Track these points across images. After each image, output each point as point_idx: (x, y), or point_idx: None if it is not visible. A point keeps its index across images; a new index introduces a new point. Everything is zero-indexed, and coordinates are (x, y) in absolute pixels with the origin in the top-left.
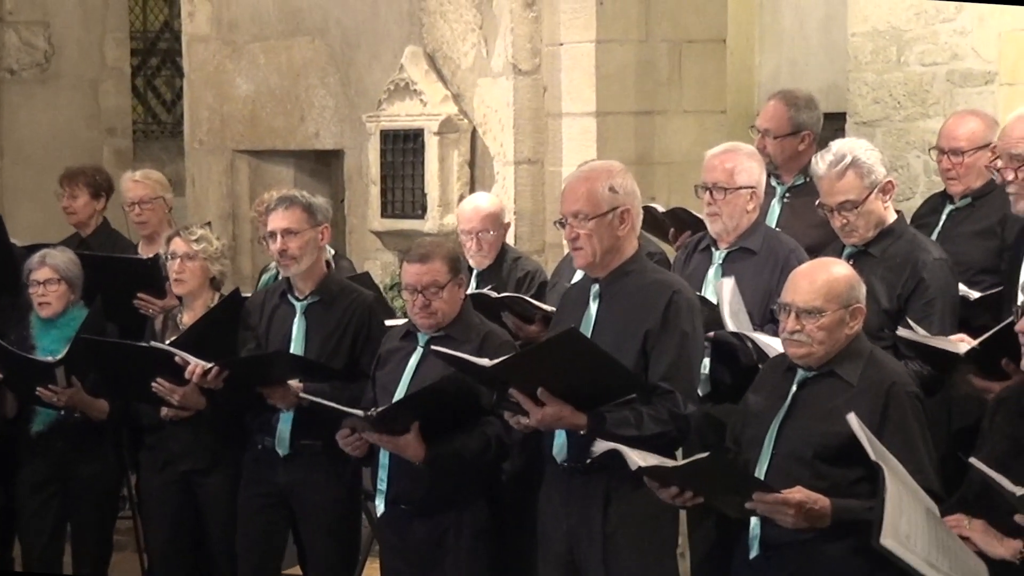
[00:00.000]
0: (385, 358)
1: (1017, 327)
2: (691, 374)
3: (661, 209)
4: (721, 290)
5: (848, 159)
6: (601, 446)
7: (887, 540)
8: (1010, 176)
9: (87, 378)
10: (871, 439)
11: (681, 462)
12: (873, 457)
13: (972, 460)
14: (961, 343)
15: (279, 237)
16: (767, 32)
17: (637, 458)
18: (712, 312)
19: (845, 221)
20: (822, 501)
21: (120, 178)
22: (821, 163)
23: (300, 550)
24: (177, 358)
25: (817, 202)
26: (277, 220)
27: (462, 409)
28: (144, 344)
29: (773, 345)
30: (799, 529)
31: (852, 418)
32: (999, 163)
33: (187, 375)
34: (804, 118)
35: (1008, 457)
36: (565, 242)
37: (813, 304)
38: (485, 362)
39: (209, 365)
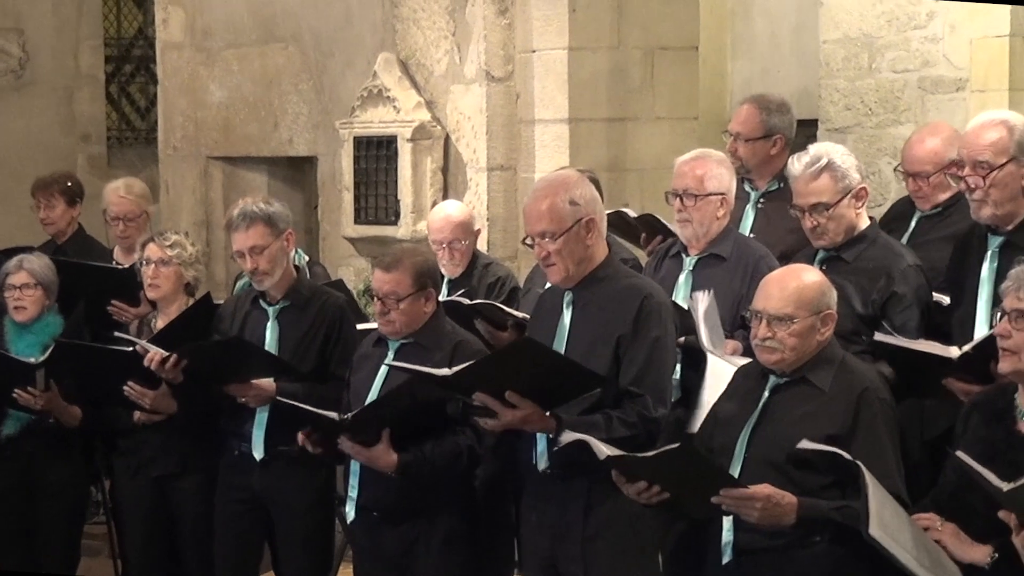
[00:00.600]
0: (358, 364)
1: (996, 329)
2: (661, 378)
3: (633, 214)
4: (697, 304)
5: (824, 161)
6: (568, 436)
7: (875, 530)
8: (974, 183)
9: (63, 383)
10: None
11: (650, 453)
12: (850, 456)
13: (958, 453)
14: (952, 348)
15: (248, 257)
16: (739, 39)
17: (605, 448)
18: (684, 318)
19: (816, 223)
20: (789, 497)
21: (105, 188)
22: (797, 164)
23: (274, 555)
24: (137, 347)
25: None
26: (242, 240)
27: (432, 414)
28: (111, 348)
29: (726, 371)
30: (765, 526)
31: (805, 444)
32: (964, 171)
33: (146, 363)
34: (776, 122)
35: (981, 460)
36: (537, 260)
37: (784, 311)
38: (444, 372)
39: (167, 354)
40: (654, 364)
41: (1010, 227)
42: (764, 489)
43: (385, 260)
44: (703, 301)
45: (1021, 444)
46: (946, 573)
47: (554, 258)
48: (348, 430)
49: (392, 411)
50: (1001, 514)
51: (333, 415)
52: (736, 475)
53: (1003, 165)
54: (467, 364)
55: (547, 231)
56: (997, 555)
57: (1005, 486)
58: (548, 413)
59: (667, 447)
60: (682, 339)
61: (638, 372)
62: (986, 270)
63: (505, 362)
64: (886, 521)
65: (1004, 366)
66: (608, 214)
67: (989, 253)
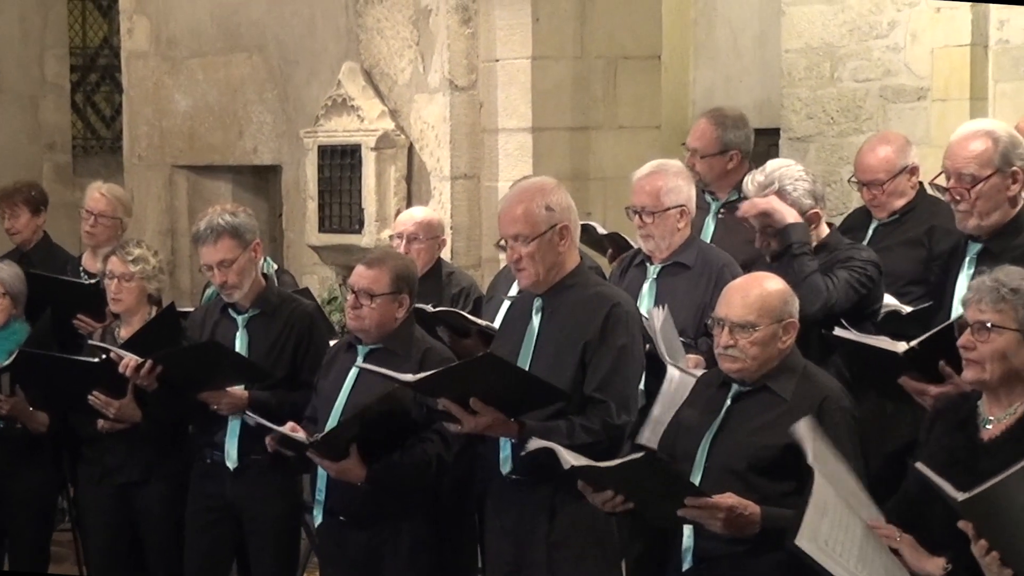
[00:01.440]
0: (327, 368)
1: (959, 342)
2: (626, 385)
3: (602, 230)
4: (653, 321)
5: (775, 187)
6: (534, 444)
7: (802, 541)
8: (959, 196)
9: (30, 390)
10: (818, 447)
11: (614, 462)
12: (809, 460)
13: (918, 465)
14: (899, 343)
15: (216, 270)
16: (701, 49)
17: (570, 458)
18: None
19: (767, 243)
20: (752, 507)
21: (88, 187)
22: (751, 184)
23: (242, 562)
24: (112, 354)
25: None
26: (210, 254)
27: (399, 424)
28: (74, 358)
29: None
30: (728, 535)
31: (801, 425)
32: (948, 182)
33: (121, 369)
34: (732, 137)
35: (944, 467)
36: (508, 263)
37: (746, 319)
38: (409, 377)
39: (141, 360)
40: (619, 371)
41: (988, 236)
42: (728, 499)
43: (369, 256)
44: (658, 317)
45: (983, 452)
46: None
47: (525, 262)
48: (317, 450)
49: (359, 426)
50: (960, 524)
51: (302, 437)
52: (697, 483)
53: (988, 177)
54: (431, 372)
55: (520, 234)
56: (951, 567)
57: (961, 496)
58: (512, 419)
59: (629, 457)
60: (647, 346)
61: (603, 379)
62: (963, 277)
63: (468, 373)
64: (822, 532)
65: (968, 376)
66: None
67: (967, 260)
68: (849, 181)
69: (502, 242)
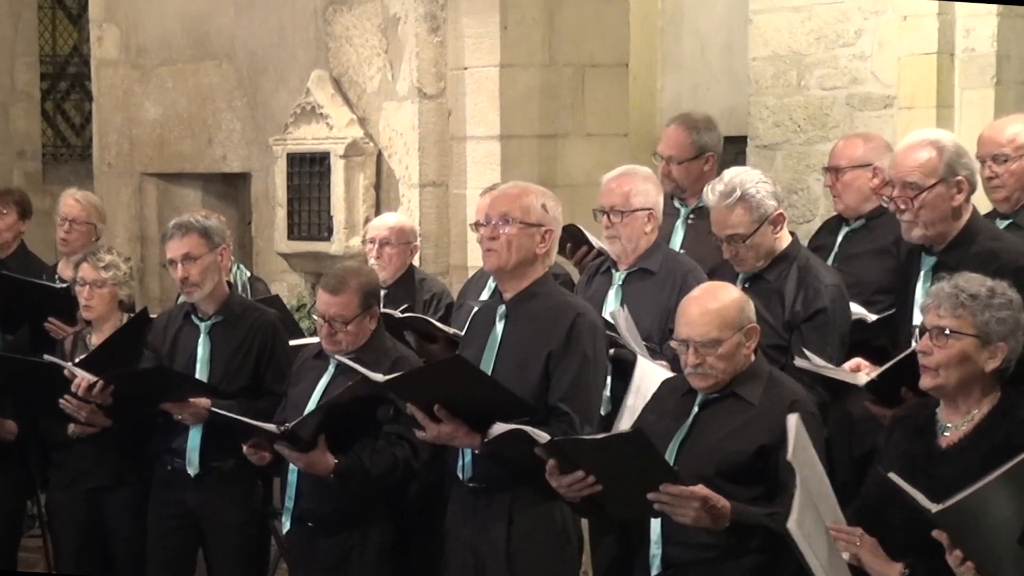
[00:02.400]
0: (297, 376)
1: (917, 346)
2: (589, 396)
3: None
4: (618, 318)
5: (737, 194)
6: (499, 428)
7: (792, 525)
8: (903, 205)
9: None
10: (800, 442)
11: (600, 435)
12: (789, 456)
13: (890, 475)
14: (860, 374)
15: (179, 265)
16: (669, 56)
17: (544, 433)
18: (615, 334)
19: (735, 252)
20: (723, 501)
21: (62, 194)
22: (712, 195)
23: (209, 567)
24: (65, 371)
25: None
26: (175, 248)
27: (365, 424)
28: (42, 360)
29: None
30: (697, 526)
31: (792, 418)
32: (892, 192)
33: (73, 388)
34: (706, 140)
35: (903, 473)
36: (480, 241)
37: (709, 336)
38: (379, 377)
39: (94, 379)
40: (582, 382)
41: (941, 247)
42: (702, 490)
43: (330, 282)
44: (621, 317)
45: (941, 458)
46: None
47: (501, 242)
48: (286, 439)
49: (329, 419)
50: (935, 533)
51: (271, 427)
52: None
53: (932, 187)
54: (401, 373)
55: (510, 214)
56: (908, 572)
57: (935, 507)
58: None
59: (617, 431)
60: (612, 350)
61: (567, 389)
62: (919, 290)
63: (437, 375)
64: (805, 523)
65: (925, 383)
66: None
67: (922, 273)
68: (824, 169)
69: (482, 219)
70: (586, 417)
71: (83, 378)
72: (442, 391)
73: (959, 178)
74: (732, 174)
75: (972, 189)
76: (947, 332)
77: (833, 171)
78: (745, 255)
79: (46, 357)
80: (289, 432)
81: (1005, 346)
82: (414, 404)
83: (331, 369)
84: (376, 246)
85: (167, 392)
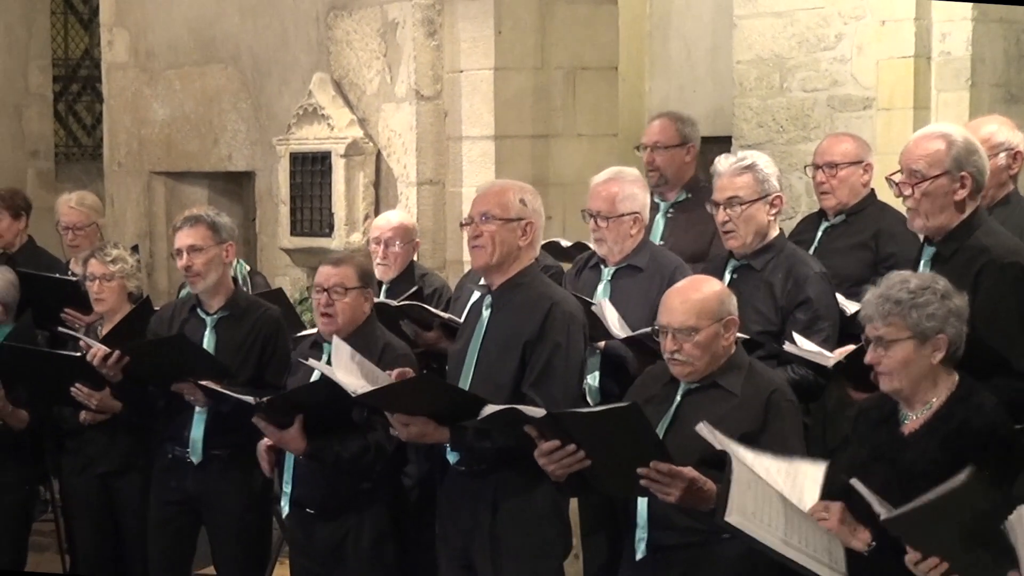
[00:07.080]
0: (296, 366)
1: (867, 358)
2: (559, 383)
3: (566, 244)
4: (603, 309)
5: (749, 161)
6: (490, 409)
7: (732, 516)
8: (908, 191)
9: (11, 388)
10: (717, 435)
11: (598, 408)
12: (718, 447)
13: (852, 481)
14: (830, 356)
15: (185, 254)
16: (657, 60)
17: (538, 409)
18: (602, 326)
19: (727, 219)
20: (709, 484)
21: (58, 200)
22: (724, 161)
23: (212, 552)
24: (81, 342)
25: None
26: (183, 238)
27: (343, 408)
28: (55, 352)
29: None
30: (682, 506)
31: (702, 427)
32: (898, 177)
33: (89, 358)
34: (689, 132)
35: (868, 461)
36: (465, 244)
37: (687, 324)
38: (354, 390)
39: (109, 350)
40: (553, 370)
41: (939, 239)
42: (691, 472)
43: (332, 257)
44: (605, 307)
45: (903, 445)
46: (831, 557)
47: (484, 240)
48: (263, 411)
49: (305, 400)
50: (908, 557)
51: (250, 399)
52: None
53: (935, 177)
54: (374, 389)
55: (489, 212)
56: (875, 544)
57: (885, 513)
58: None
59: (615, 404)
60: (602, 344)
61: (537, 377)
62: None
63: (408, 392)
64: (748, 506)
65: (883, 387)
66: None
67: (923, 262)
68: (805, 169)
69: (467, 218)
70: (553, 403)
71: (98, 348)
72: (411, 401)
73: (964, 173)
74: (747, 151)
75: (978, 186)
76: (885, 341)
77: (826, 168)
78: (737, 223)
79: (59, 329)
80: (265, 404)
81: (944, 336)
82: (387, 412)
83: (324, 359)
84: (382, 247)
85: (178, 369)
